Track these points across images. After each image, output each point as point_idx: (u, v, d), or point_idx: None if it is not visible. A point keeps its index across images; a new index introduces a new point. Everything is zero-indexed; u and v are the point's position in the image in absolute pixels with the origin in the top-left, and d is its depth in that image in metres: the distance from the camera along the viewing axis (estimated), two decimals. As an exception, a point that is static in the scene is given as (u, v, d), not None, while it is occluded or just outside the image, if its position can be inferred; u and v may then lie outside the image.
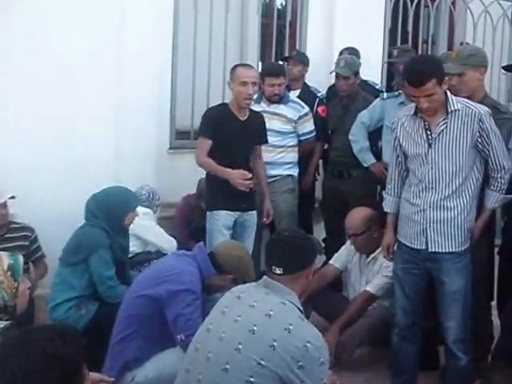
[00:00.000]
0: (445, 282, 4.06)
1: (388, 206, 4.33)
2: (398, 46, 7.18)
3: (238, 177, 5.06)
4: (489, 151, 3.97)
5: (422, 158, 4.01)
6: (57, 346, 1.95)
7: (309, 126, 6.16)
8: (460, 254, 4.03)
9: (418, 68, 3.93)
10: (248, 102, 5.23)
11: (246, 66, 5.35)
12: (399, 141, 4.16)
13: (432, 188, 4.00)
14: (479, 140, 3.93)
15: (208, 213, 5.32)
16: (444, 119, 3.94)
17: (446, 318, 4.11)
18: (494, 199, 4.09)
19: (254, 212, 5.39)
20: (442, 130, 3.94)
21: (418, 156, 4.04)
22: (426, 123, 4.00)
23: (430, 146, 3.98)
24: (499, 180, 4.05)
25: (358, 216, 5.08)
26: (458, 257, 4.03)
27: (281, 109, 6.00)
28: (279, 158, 5.93)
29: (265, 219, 5.54)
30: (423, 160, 4.01)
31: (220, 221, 5.21)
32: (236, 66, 5.35)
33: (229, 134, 5.14)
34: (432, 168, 3.98)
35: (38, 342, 1.96)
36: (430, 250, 4.05)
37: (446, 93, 3.94)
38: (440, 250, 4.03)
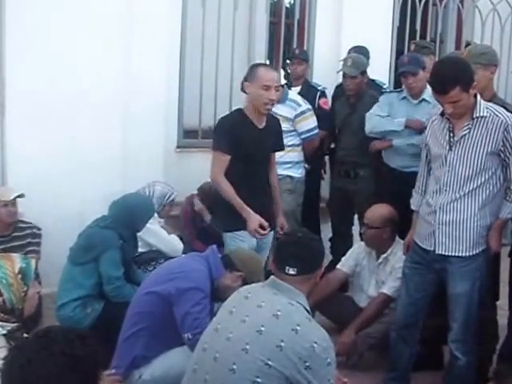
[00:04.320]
0: (449, 284, 4.07)
1: (414, 204, 4.34)
2: (418, 40, 7.11)
3: (255, 225, 4.59)
4: (509, 160, 3.90)
5: (442, 159, 4.00)
6: (77, 348, 1.96)
7: (308, 123, 6.11)
8: (467, 258, 4.00)
9: (441, 74, 3.84)
10: (269, 107, 4.70)
11: (267, 67, 4.91)
12: (427, 139, 4.16)
13: (446, 190, 3.99)
14: (502, 149, 3.87)
15: (228, 234, 4.77)
16: (468, 124, 3.90)
17: (450, 317, 4.12)
18: (507, 210, 4.00)
19: (272, 232, 4.93)
20: (464, 135, 3.91)
21: (438, 157, 4.03)
22: (451, 125, 3.97)
23: (450, 148, 3.96)
24: None
25: (378, 211, 5.07)
26: (465, 261, 4.00)
27: (278, 108, 5.91)
28: (277, 157, 5.57)
29: (279, 230, 5.03)
30: (443, 162, 4.00)
31: (245, 241, 4.68)
32: (256, 66, 4.81)
33: (248, 147, 4.62)
34: (448, 171, 3.97)
35: (59, 344, 1.97)
36: (436, 251, 4.06)
37: (476, 95, 3.88)
38: (446, 253, 4.03)
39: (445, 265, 4.06)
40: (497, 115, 3.88)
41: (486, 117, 3.88)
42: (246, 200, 4.64)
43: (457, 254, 4.01)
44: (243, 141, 4.60)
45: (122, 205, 4.84)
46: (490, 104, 3.99)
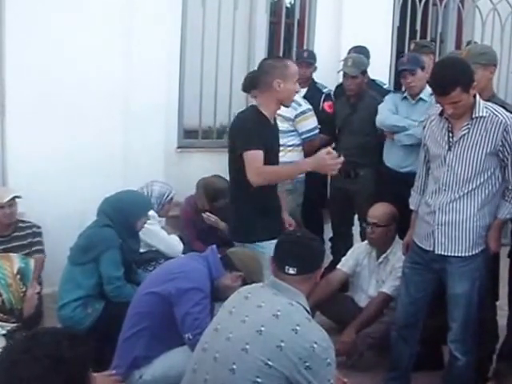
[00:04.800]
0: (449, 284, 4.07)
1: (413, 203, 4.35)
2: (418, 40, 7.14)
3: (327, 158, 4.24)
4: (508, 161, 3.90)
5: (441, 159, 4.00)
6: (63, 350, 1.95)
7: (308, 123, 6.09)
8: (466, 258, 4.00)
9: (441, 76, 3.84)
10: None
11: (290, 61, 4.74)
12: (425, 139, 4.17)
13: (445, 190, 3.99)
14: (501, 149, 3.87)
15: (247, 244, 4.50)
16: (467, 124, 3.90)
17: (449, 318, 4.13)
18: (506, 210, 4.01)
19: None
20: (464, 135, 3.91)
21: (437, 157, 4.04)
22: (450, 125, 3.97)
23: (449, 148, 3.96)
24: None
25: (383, 209, 5.10)
26: (464, 261, 4.00)
27: None
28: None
29: (288, 227, 4.92)
30: (442, 162, 4.00)
31: (266, 252, 4.27)
32: (285, 61, 4.58)
33: (268, 144, 4.41)
34: (448, 171, 3.97)
35: (44, 345, 1.96)
36: (436, 251, 4.06)
37: (475, 96, 3.88)
38: (445, 253, 4.03)
39: (444, 265, 4.06)
40: (496, 115, 3.87)
41: (485, 117, 3.87)
42: (268, 200, 4.49)
43: (456, 254, 4.01)
44: (264, 138, 4.41)
45: (113, 202, 4.76)
46: (489, 104, 3.98)
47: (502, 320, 4.65)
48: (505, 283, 4.53)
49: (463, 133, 3.91)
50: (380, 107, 5.76)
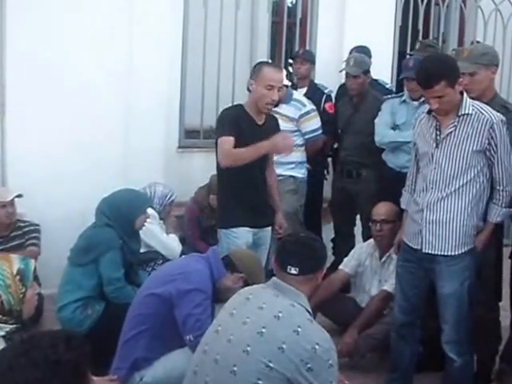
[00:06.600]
0: (438, 284, 4.05)
1: (404, 202, 4.34)
2: (423, 39, 7.13)
3: (279, 141, 4.55)
4: (494, 159, 3.90)
5: (429, 157, 3.99)
6: (60, 352, 1.93)
7: (312, 124, 6.09)
8: (454, 257, 3.97)
9: (426, 68, 3.85)
10: (270, 107, 4.71)
11: (274, 67, 4.79)
12: (415, 137, 4.16)
13: (432, 188, 3.98)
14: (488, 147, 3.87)
15: (223, 231, 4.75)
16: (453, 122, 3.89)
17: (441, 319, 4.11)
18: (495, 213, 4.00)
19: (269, 228, 4.96)
20: (450, 133, 3.90)
21: (425, 155, 4.03)
22: (437, 123, 3.97)
23: (437, 146, 3.95)
24: (500, 193, 3.97)
25: (387, 206, 5.08)
26: (452, 260, 3.97)
27: (282, 108, 5.90)
28: (281, 157, 5.49)
29: (278, 228, 5.03)
30: (429, 159, 3.99)
31: (240, 238, 4.65)
32: (262, 65, 4.77)
33: (246, 141, 4.52)
34: (435, 168, 3.96)
35: (41, 349, 1.94)
36: (423, 250, 4.04)
37: (462, 93, 3.88)
38: (433, 252, 4.01)
39: (433, 264, 4.04)
40: (482, 113, 3.87)
41: (471, 114, 3.87)
42: (237, 194, 4.69)
43: (443, 253, 3.98)
44: (243, 134, 4.56)
45: (110, 201, 4.74)
46: (476, 102, 3.98)
47: (504, 321, 4.64)
48: (507, 283, 4.52)
49: (450, 130, 3.90)
50: (376, 122, 5.73)
